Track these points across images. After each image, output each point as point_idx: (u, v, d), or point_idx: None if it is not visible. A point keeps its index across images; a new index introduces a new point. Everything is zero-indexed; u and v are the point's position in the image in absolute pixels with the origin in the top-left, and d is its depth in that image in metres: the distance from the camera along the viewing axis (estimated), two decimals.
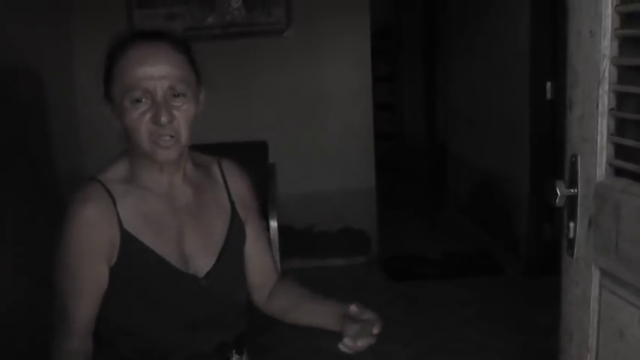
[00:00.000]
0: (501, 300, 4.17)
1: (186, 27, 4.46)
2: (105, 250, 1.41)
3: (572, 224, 1.37)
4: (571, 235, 1.38)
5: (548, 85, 4.24)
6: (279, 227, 3.87)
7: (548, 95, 4.25)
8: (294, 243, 4.64)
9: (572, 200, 1.37)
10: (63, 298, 1.44)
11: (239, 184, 1.65)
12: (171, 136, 1.40)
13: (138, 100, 1.39)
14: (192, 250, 1.50)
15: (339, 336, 1.46)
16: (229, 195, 1.62)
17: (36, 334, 2.83)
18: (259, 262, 1.69)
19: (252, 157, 3.84)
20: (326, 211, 4.88)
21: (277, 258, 3.76)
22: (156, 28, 1.49)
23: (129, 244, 1.42)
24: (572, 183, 1.37)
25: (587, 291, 1.34)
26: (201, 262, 1.51)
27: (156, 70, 1.39)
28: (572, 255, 1.39)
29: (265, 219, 3.85)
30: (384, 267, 4.85)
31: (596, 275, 1.32)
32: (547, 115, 4.32)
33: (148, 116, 1.39)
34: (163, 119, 1.38)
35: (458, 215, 5.99)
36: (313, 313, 1.61)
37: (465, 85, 5.77)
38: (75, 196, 1.44)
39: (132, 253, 1.42)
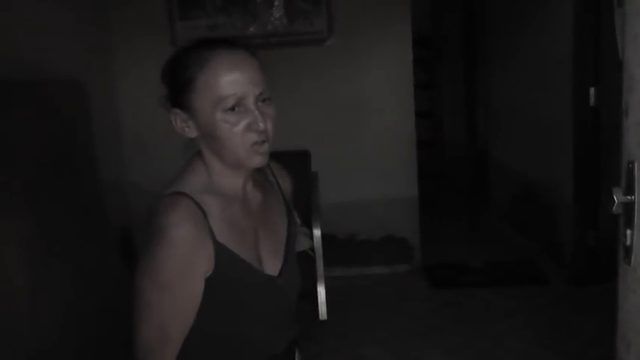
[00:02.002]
0: (547, 308, 4.13)
1: None
2: (204, 265, 1.40)
3: (629, 231, 1.36)
4: (628, 243, 1.37)
5: (592, 90, 4.20)
6: (322, 236, 3.88)
7: (592, 101, 4.21)
8: (336, 251, 4.66)
9: (629, 207, 1.36)
10: (162, 319, 1.40)
11: (287, 184, 1.72)
12: (265, 142, 1.43)
13: (231, 109, 1.39)
14: (265, 252, 1.54)
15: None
16: (283, 195, 1.68)
17: (84, 346, 2.87)
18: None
19: (295, 166, 3.83)
20: (368, 219, 4.88)
21: (321, 266, 3.77)
22: (220, 36, 1.51)
23: (222, 254, 1.42)
24: (629, 190, 1.35)
25: None
26: (273, 263, 1.55)
27: (245, 77, 1.40)
28: (629, 263, 1.37)
29: (309, 227, 3.86)
30: (427, 275, 4.83)
31: None
32: (591, 121, 4.27)
33: (243, 124, 1.40)
34: (262, 125, 1.40)
35: (500, 223, 5.95)
36: None
37: (506, 91, 5.73)
38: (169, 215, 1.37)
39: (225, 263, 1.42)
